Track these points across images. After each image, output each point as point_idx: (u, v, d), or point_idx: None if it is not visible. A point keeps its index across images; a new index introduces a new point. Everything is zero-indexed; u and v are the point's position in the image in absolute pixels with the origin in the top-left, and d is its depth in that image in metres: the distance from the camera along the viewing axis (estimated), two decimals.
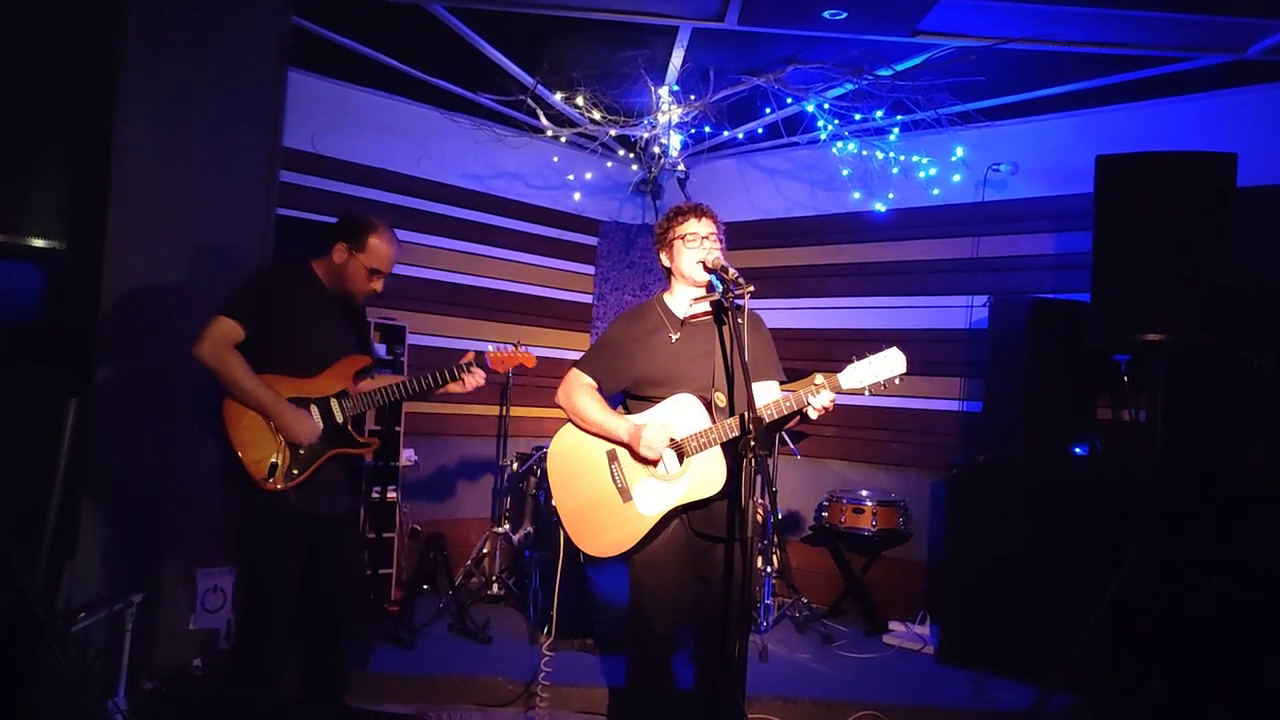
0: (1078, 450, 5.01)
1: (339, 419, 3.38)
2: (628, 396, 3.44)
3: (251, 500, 3.32)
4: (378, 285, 3.47)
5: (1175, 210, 4.02)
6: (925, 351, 5.85)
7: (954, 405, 5.96)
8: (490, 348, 3.73)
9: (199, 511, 4.20)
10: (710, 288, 3.27)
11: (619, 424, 3.28)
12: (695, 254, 3.27)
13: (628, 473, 3.26)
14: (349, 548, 3.62)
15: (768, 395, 3.25)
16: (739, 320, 2.99)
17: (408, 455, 5.99)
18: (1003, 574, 4.91)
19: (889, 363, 3.07)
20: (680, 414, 3.23)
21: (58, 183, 3.14)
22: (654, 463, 3.23)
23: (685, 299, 3.39)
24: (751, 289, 3.00)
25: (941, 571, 5.52)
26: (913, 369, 3.13)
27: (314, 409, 3.35)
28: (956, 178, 5.96)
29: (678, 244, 3.33)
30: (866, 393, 3.09)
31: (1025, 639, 4.74)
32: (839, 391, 3.12)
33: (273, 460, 3.25)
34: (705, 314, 3.37)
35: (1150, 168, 4.11)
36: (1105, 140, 5.21)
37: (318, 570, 3.40)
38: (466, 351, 3.59)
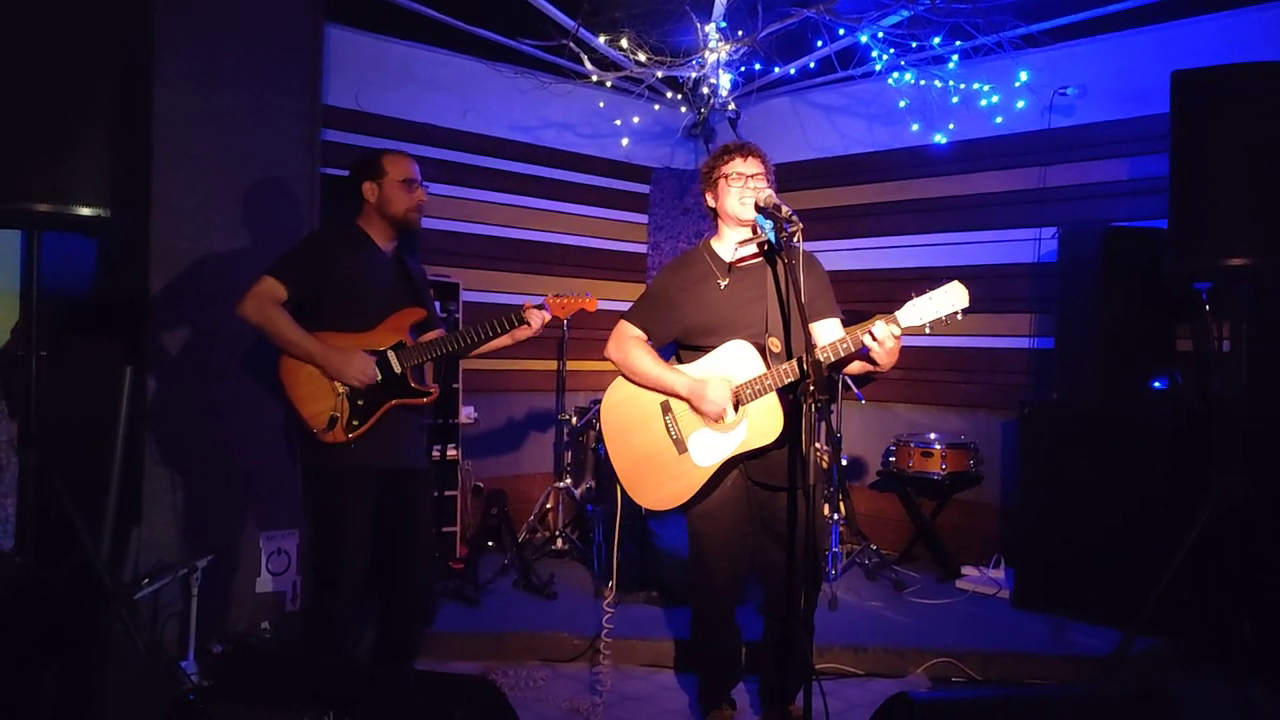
0: (1157, 384, 4.80)
1: (396, 369, 3.32)
2: (679, 346, 3.34)
3: (314, 456, 3.31)
4: (420, 195, 3.42)
5: (1259, 125, 3.73)
6: (993, 287, 5.66)
7: (1024, 342, 5.75)
8: (550, 295, 3.69)
9: (261, 474, 4.22)
10: (756, 228, 3.13)
11: (675, 378, 3.18)
12: (742, 193, 3.15)
13: (682, 424, 3.17)
14: (421, 507, 3.53)
15: (831, 334, 3.13)
16: (793, 260, 2.87)
17: (467, 412, 5.96)
18: (1079, 514, 4.75)
19: (950, 297, 2.90)
20: (734, 362, 3.12)
21: (99, 149, 3.08)
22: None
23: (732, 242, 3.27)
24: (801, 226, 2.87)
25: (1015, 514, 5.37)
26: (980, 305, 2.97)
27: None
28: (1020, 104, 5.69)
29: (723, 183, 3.21)
30: (927, 330, 2.92)
31: (1105, 581, 4.59)
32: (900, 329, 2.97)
33: (332, 413, 3.22)
34: (753, 257, 3.25)
35: (1232, 81, 3.84)
36: (1179, 56, 4.90)
37: (388, 530, 3.36)
38: (523, 304, 3.55)
